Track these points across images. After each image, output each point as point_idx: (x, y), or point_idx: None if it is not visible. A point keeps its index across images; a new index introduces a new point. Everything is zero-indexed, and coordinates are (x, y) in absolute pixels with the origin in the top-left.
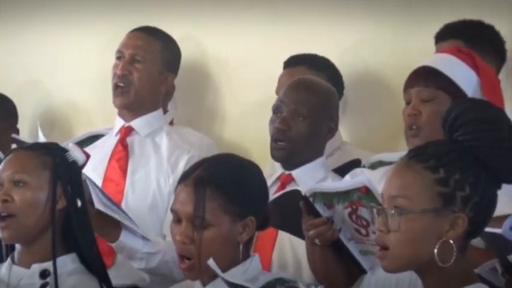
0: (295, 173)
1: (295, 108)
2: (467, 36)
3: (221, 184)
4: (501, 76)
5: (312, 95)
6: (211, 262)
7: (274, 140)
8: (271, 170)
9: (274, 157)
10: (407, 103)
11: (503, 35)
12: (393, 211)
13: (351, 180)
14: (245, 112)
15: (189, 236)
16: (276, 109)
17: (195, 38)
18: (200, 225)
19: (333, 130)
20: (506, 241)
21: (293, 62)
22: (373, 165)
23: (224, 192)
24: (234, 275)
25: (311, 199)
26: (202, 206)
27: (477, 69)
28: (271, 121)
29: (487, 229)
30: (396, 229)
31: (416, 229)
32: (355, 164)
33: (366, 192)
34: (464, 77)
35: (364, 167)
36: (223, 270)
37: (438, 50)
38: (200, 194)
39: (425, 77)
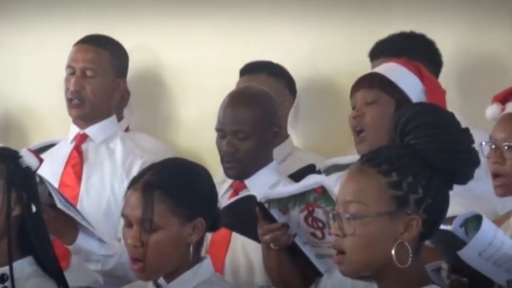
0: (247, 180)
1: (237, 129)
2: (397, 52)
3: (169, 187)
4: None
5: (250, 111)
6: (161, 281)
7: (224, 160)
8: (224, 176)
9: (228, 175)
10: (353, 108)
11: (456, 38)
12: (348, 216)
13: (306, 182)
14: (199, 119)
15: (140, 240)
16: (219, 131)
17: (150, 45)
18: (149, 228)
19: (278, 134)
20: (456, 238)
21: (252, 69)
22: (329, 169)
23: (172, 195)
24: (185, 281)
25: (266, 205)
26: (150, 209)
27: (422, 78)
28: (217, 142)
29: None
30: (352, 233)
31: (371, 233)
32: (310, 169)
33: (322, 192)
34: (409, 82)
35: (319, 171)
36: (175, 273)
37: (374, 68)
38: (148, 197)
39: (369, 81)
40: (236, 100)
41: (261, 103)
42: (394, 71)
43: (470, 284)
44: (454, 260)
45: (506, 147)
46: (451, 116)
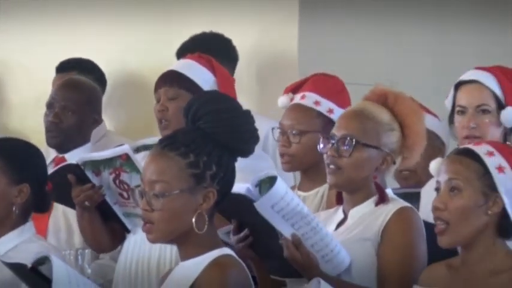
0: (67, 155)
1: (65, 105)
2: (200, 51)
3: (1, 152)
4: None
5: (78, 93)
6: None
7: (49, 131)
8: (46, 154)
9: (49, 144)
10: (158, 101)
11: (253, 38)
12: (155, 193)
13: (115, 149)
14: (26, 105)
15: None
16: (49, 105)
17: None
18: None
19: (97, 121)
20: (245, 199)
21: (64, 67)
22: (138, 148)
23: (3, 159)
24: (10, 239)
25: (82, 167)
26: None
27: (214, 70)
28: (46, 115)
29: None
30: (160, 208)
31: (176, 207)
32: None
33: (126, 159)
34: (202, 77)
35: None
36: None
37: None
38: None
39: (170, 79)
40: (68, 84)
41: (87, 91)
42: (189, 67)
43: (254, 239)
44: (241, 221)
45: (292, 133)
46: (235, 102)
